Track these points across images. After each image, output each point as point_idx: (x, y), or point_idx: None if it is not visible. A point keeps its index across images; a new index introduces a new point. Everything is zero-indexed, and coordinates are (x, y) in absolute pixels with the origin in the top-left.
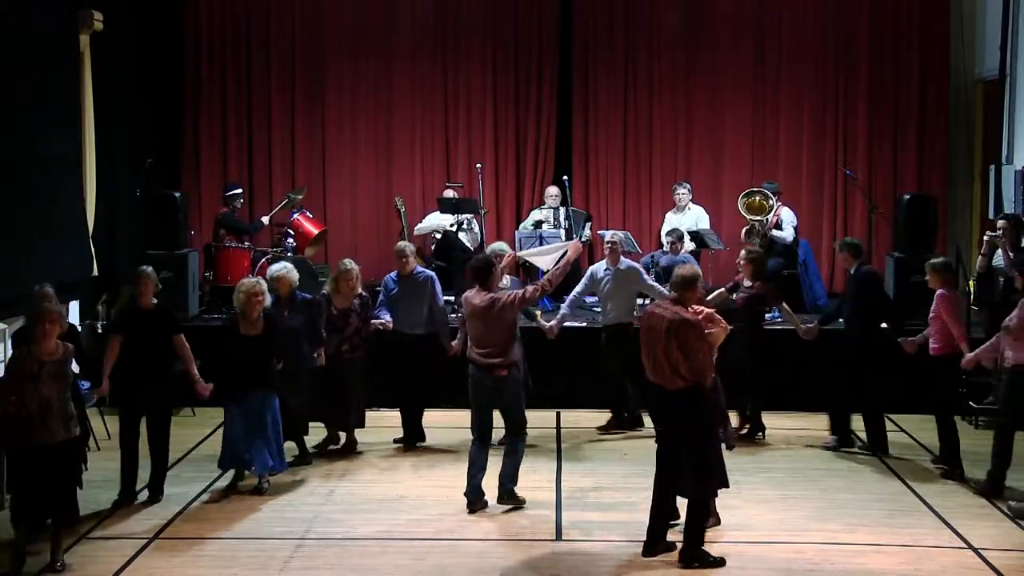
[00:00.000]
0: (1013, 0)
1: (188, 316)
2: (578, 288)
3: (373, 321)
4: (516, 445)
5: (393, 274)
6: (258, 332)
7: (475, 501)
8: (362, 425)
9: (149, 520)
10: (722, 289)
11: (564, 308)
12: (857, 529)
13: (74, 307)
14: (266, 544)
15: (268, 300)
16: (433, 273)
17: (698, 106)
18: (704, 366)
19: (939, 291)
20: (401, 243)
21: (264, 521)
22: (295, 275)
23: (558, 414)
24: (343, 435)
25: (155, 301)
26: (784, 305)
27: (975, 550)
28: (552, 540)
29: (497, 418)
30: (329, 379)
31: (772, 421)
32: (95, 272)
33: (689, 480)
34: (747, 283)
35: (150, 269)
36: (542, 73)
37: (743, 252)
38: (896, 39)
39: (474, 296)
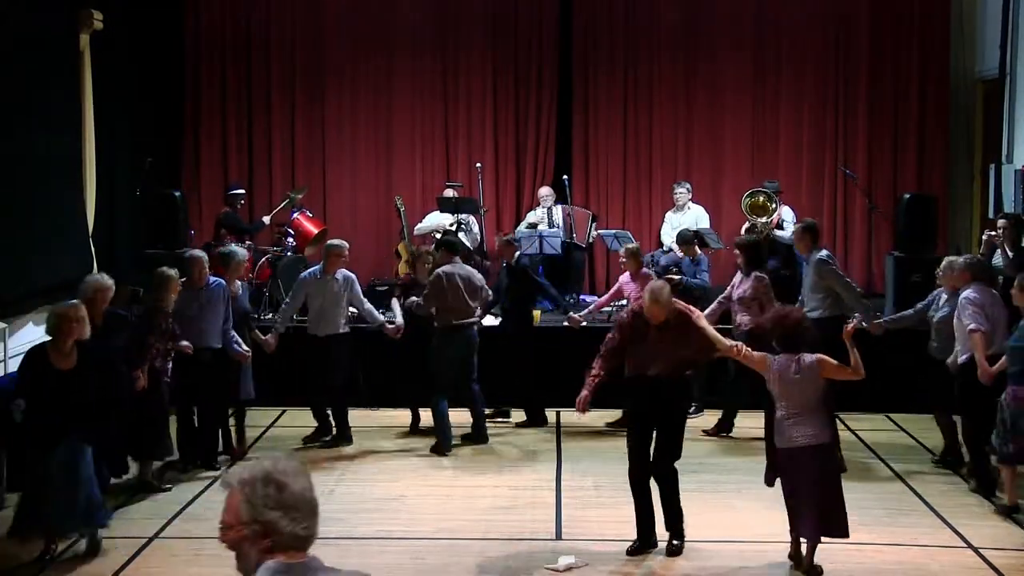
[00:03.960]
0: (1013, 0)
1: None
2: (288, 299)
3: (181, 344)
4: None
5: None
6: (71, 365)
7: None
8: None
9: (149, 520)
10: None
11: (278, 319)
12: (857, 529)
13: None
14: None
15: (87, 331)
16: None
17: (698, 106)
18: None
19: (646, 271)
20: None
21: None
22: (107, 283)
23: (558, 414)
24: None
25: None
26: None
27: (975, 550)
28: (552, 540)
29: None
30: (153, 402)
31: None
32: (95, 272)
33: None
34: None
35: None
36: (542, 73)
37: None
38: (896, 39)
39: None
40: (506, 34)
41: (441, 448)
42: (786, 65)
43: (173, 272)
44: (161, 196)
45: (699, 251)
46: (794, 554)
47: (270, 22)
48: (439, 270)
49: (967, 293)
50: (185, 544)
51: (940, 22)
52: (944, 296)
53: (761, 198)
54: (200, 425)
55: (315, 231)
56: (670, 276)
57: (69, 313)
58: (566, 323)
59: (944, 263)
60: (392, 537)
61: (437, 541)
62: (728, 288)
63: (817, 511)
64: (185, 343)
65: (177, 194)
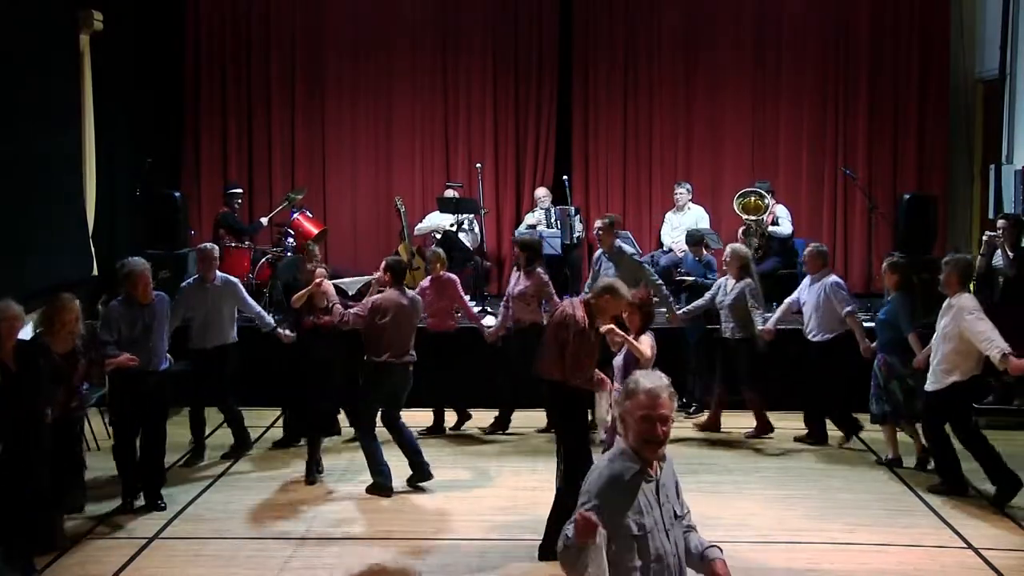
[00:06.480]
0: (1013, 0)
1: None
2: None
3: (114, 361)
4: None
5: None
6: None
7: None
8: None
9: (149, 520)
10: None
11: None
12: (857, 529)
13: None
14: (266, 544)
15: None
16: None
17: (698, 106)
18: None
19: (447, 275)
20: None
21: (264, 521)
22: (15, 311)
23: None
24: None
25: None
26: None
27: (975, 550)
28: None
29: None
30: (59, 447)
31: (773, 421)
32: (95, 272)
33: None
34: None
35: None
36: (542, 73)
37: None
38: (896, 39)
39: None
40: (506, 34)
41: (379, 488)
42: (786, 65)
43: (69, 301)
44: (161, 196)
45: (704, 251)
46: None
47: (270, 22)
48: (381, 299)
49: (834, 279)
50: (185, 544)
51: (940, 22)
52: (731, 283)
53: (752, 198)
54: (145, 458)
55: (315, 231)
56: (683, 278)
57: None
58: None
59: (728, 250)
60: (393, 537)
61: (438, 541)
62: (509, 288)
63: None
64: (124, 357)
65: (177, 194)
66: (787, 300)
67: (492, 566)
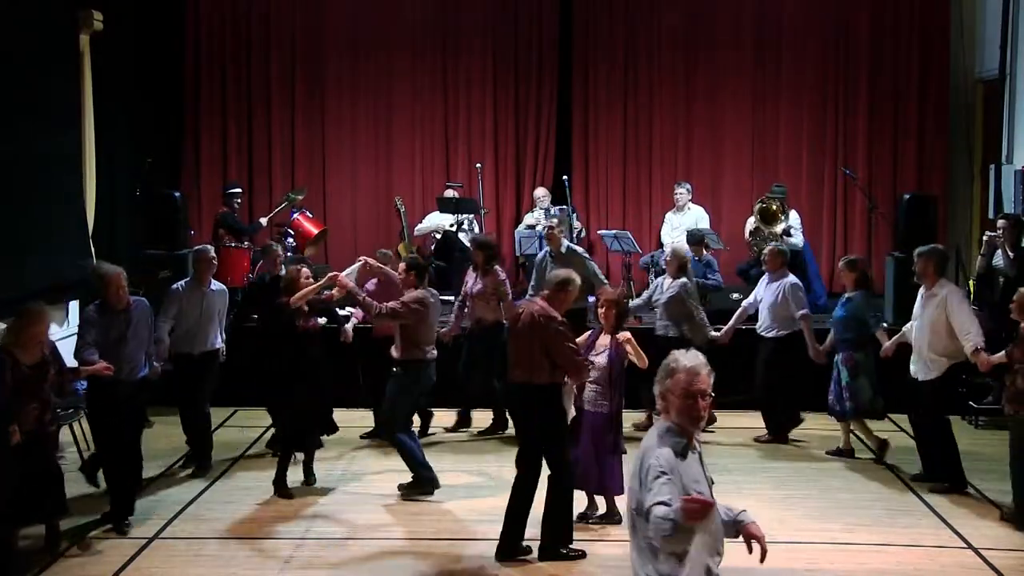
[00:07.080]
0: (1013, 0)
1: None
2: (161, 318)
3: (88, 368)
4: None
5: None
6: None
7: None
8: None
9: (149, 520)
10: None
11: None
12: (857, 529)
13: (74, 307)
14: (266, 544)
15: None
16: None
17: (698, 106)
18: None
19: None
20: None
21: (264, 521)
22: None
23: None
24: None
25: None
26: None
27: (975, 550)
28: None
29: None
30: (31, 463)
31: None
32: None
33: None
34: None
35: None
36: (542, 73)
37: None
38: (896, 39)
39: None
40: (506, 34)
41: (419, 487)
42: (786, 65)
43: (41, 313)
44: (161, 196)
45: (704, 251)
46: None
47: (270, 22)
48: (418, 298)
49: (794, 280)
50: (185, 544)
51: (940, 22)
52: (667, 282)
53: (774, 206)
54: (126, 469)
55: (315, 231)
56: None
57: None
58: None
59: (668, 250)
60: (393, 537)
61: (438, 542)
62: (467, 288)
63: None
64: (101, 365)
65: (177, 194)
66: (744, 303)
67: (492, 566)
